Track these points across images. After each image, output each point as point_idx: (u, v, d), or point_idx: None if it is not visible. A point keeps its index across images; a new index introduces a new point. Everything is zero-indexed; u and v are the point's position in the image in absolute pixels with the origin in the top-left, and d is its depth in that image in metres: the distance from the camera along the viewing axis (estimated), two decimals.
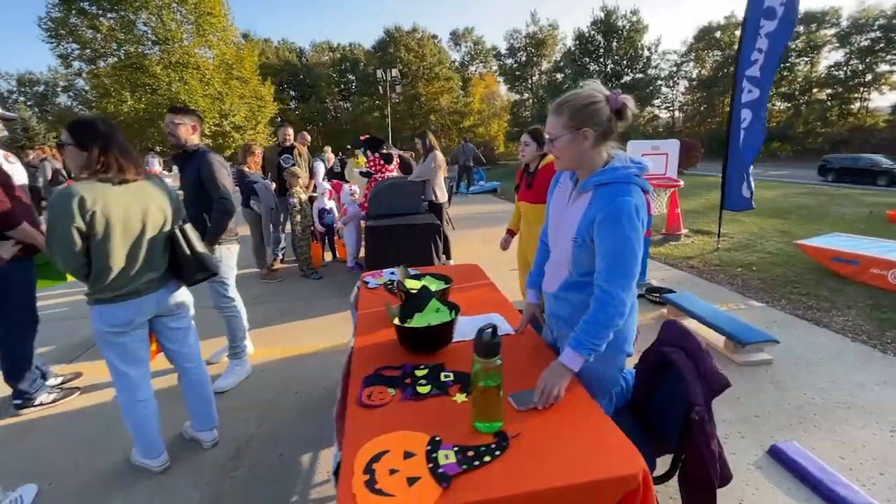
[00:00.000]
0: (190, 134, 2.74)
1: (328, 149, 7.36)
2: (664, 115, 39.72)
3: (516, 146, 32.24)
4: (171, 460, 2.15)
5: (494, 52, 43.58)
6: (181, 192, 2.67)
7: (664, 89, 34.97)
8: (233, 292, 3.02)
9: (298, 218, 4.89)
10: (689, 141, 16.09)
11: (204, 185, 2.67)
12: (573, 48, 25.57)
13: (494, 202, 11.26)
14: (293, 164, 5.32)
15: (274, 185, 5.23)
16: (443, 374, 1.44)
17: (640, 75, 25.16)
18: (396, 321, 1.63)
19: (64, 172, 8.07)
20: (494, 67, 43.66)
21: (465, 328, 1.70)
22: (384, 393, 1.34)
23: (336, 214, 5.71)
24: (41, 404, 2.70)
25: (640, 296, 4.15)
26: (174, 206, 2.04)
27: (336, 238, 5.92)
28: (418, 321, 1.65)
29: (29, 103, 39.43)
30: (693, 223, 7.24)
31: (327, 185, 5.62)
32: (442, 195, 5.21)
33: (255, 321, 3.53)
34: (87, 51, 17.60)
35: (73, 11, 17.47)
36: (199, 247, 2.07)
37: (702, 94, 35.12)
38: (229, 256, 2.96)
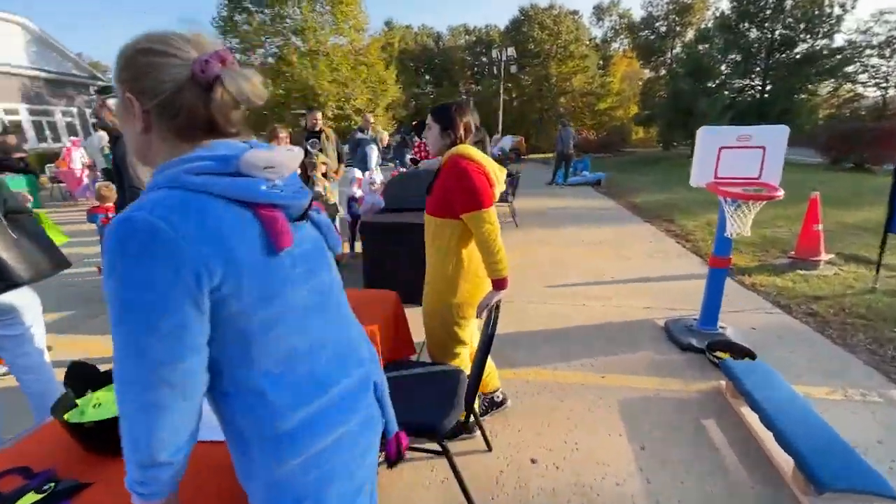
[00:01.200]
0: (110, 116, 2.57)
1: (379, 128, 6.95)
2: (872, 92, 30.49)
3: (648, 132, 28.09)
4: None
5: (628, 23, 38.59)
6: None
7: (874, 60, 26.63)
8: None
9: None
10: (884, 127, 11.88)
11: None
12: (728, 11, 20.69)
13: (591, 196, 9.69)
14: (319, 149, 5.02)
15: (299, 171, 5.03)
16: None
17: (824, 41, 19.14)
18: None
19: None
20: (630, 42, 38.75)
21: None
22: None
23: None
24: None
25: (697, 349, 2.87)
26: None
27: None
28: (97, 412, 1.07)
29: None
30: (848, 245, 5.08)
31: (357, 173, 5.20)
32: None
33: None
34: (243, 44, 20.32)
35: (237, 10, 20.24)
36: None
37: None
38: None
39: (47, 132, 18.68)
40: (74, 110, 19.97)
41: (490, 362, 2.18)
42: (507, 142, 19.40)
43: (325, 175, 4.76)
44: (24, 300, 1.95)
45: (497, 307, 1.84)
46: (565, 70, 33.77)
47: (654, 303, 3.77)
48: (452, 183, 1.74)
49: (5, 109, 16.78)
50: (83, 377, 1.35)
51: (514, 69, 20.52)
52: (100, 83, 21.00)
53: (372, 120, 7.07)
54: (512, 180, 7.17)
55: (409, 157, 6.26)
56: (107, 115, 2.59)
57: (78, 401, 1.27)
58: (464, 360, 2.04)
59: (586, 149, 19.29)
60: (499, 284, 1.82)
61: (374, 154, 6.28)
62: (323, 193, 4.43)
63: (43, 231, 2.00)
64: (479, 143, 1.96)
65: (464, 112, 1.87)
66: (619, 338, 3.18)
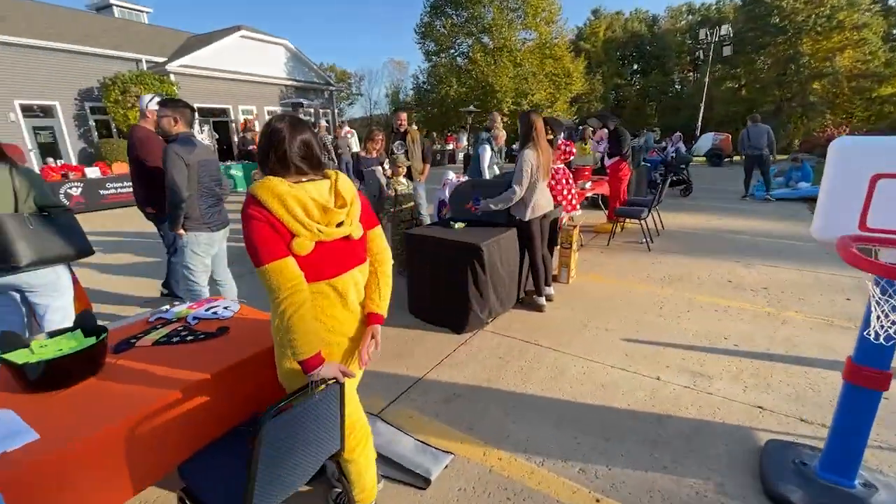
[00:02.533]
0: (172, 126, 2.94)
1: (498, 126, 6.33)
2: None
3: None
4: None
5: None
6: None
7: None
8: (199, 278, 3.09)
9: (391, 210, 4.48)
10: None
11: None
12: None
13: (796, 217, 7.01)
14: (404, 151, 4.92)
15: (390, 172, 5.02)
16: None
17: None
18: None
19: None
20: None
21: None
22: None
23: None
24: None
25: None
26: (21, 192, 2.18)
27: None
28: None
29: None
30: None
31: (452, 176, 4.92)
32: (536, 208, 3.56)
33: None
34: (438, 46, 22.00)
35: (438, 15, 22.00)
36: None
37: None
38: (195, 243, 3.03)
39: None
40: (312, 111, 25.02)
41: (369, 463, 1.67)
42: (707, 141, 16.02)
43: (409, 176, 4.65)
44: (49, 278, 2.36)
45: (339, 382, 1.36)
46: (826, 46, 25.77)
47: (777, 403, 2.42)
48: None
49: (269, 111, 22.24)
50: (83, 325, 1.70)
51: (727, 51, 16.47)
52: (331, 88, 25.90)
53: (498, 119, 6.63)
54: (657, 191, 5.77)
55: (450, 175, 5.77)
56: (163, 123, 2.99)
57: (32, 343, 1.55)
58: None
59: (812, 149, 14.39)
60: (303, 367, 1.32)
61: (486, 155, 5.86)
62: (391, 195, 4.32)
63: (70, 223, 2.37)
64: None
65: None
66: (676, 446, 2.12)
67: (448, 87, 21.24)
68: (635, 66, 41.49)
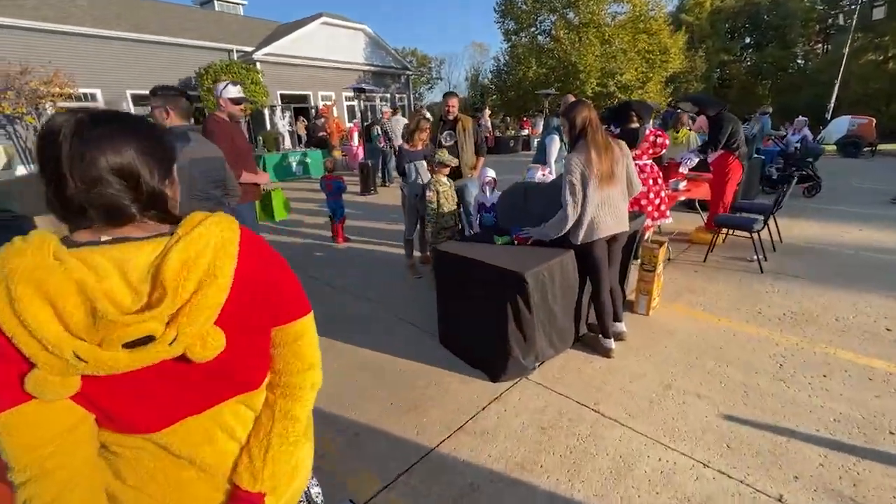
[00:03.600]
0: (164, 118, 2.59)
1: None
2: None
3: None
4: None
5: None
6: None
7: None
8: None
9: (432, 215, 3.73)
10: None
11: None
12: None
13: None
14: (454, 142, 4.19)
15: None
16: None
17: None
18: None
19: None
20: None
21: None
22: None
23: None
24: None
25: None
26: None
27: None
28: None
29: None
30: None
31: (491, 174, 4.02)
32: (595, 229, 2.59)
33: None
34: (518, 25, 20.58)
35: None
36: None
37: None
38: None
39: (369, 114, 24.20)
40: (388, 96, 25.04)
41: None
42: (841, 126, 13.19)
43: (453, 175, 3.94)
44: None
45: None
46: None
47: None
48: None
49: (346, 97, 22.60)
50: None
51: (878, 14, 13.05)
52: (408, 72, 25.70)
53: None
54: (774, 191, 4.49)
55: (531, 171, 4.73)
56: (155, 114, 2.61)
57: None
58: None
59: None
60: None
61: (554, 146, 4.95)
62: (433, 202, 3.64)
63: None
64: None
65: None
66: None
67: (527, 68, 19.87)
68: (747, 40, 36.33)
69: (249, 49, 18.87)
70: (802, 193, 7.47)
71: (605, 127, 5.37)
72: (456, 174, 4.40)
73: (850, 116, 13.23)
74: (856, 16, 13.50)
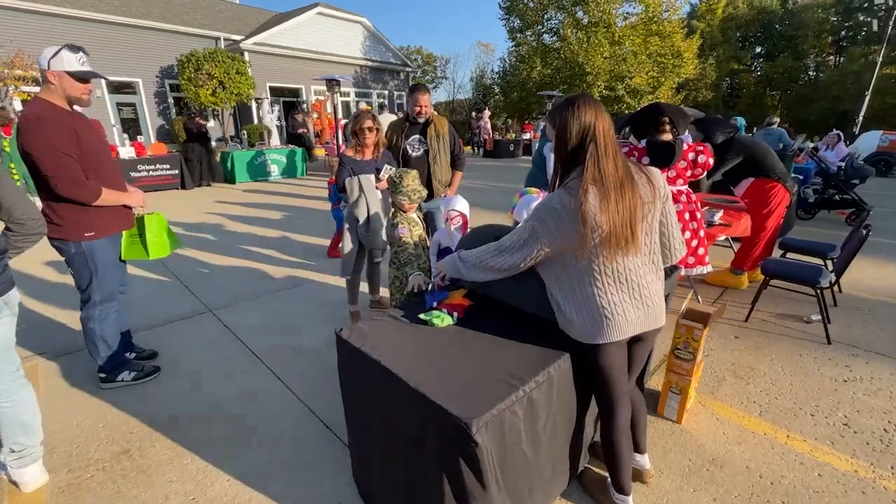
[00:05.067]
0: None
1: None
2: None
3: None
4: None
5: None
6: None
7: None
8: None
9: (404, 261, 2.42)
10: None
11: None
12: None
13: None
14: (423, 152, 3.10)
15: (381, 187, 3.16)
16: None
17: None
18: None
19: None
20: None
21: None
22: None
23: None
24: (122, 381, 2.57)
25: None
26: None
27: None
28: None
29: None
30: None
31: (460, 206, 2.57)
32: (612, 326, 1.42)
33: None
34: (523, 22, 19.44)
35: None
36: None
37: None
38: None
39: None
40: (386, 93, 23.93)
41: None
42: (871, 142, 12.10)
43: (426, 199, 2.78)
44: None
45: None
46: None
47: None
48: None
49: (342, 91, 21.48)
50: None
51: None
52: (408, 69, 24.60)
53: None
54: (857, 226, 3.41)
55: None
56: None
57: None
58: None
59: None
60: None
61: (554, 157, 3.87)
62: (403, 238, 2.42)
63: None
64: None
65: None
66: None
67: (531, 68, 18.72)
68: (758, 49, 35.57)
69: (238, 38, 17.79)
70: (846, 221, 6.38)
71: (624, 141, 4.27)
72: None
73: (881, 132, 12.13)
74: (892, 22, 12.36)
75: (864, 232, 2.86)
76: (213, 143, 15.74)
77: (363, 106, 15.95)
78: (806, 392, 2.52)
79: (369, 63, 22.24)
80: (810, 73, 34.57)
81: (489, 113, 16.74)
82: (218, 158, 10.36)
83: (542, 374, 1.41)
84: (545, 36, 19.35)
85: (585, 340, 1.45)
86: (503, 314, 1.78)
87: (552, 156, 4.07)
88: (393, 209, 2.48)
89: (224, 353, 2.90)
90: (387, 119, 10.73)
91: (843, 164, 6.72)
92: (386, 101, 23.72)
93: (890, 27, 12.34)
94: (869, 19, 25.88)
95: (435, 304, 1.84)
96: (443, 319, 1.71)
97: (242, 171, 10.11)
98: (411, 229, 2.41)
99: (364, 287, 3.46)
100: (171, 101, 17.02)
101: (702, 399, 2.44)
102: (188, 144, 9.43)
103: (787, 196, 3.79)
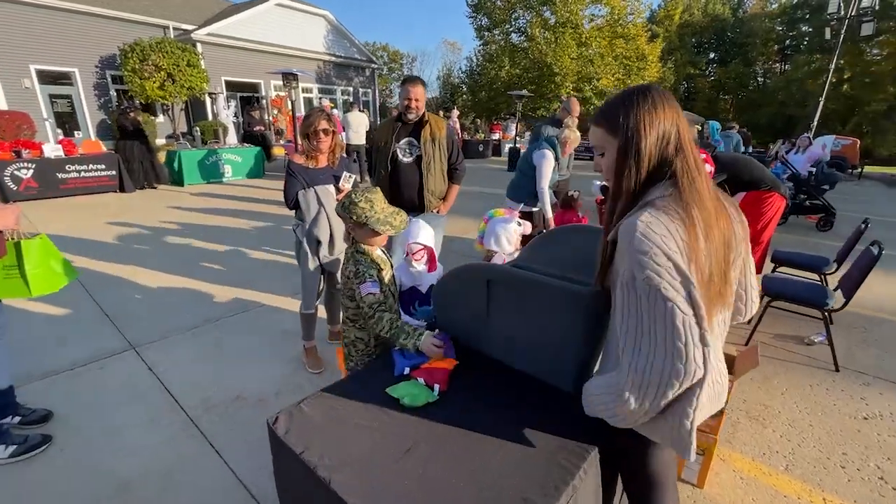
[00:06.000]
0: None
1: (570, 126, 3.79)
2: None
3: None
4: None
5: None
6: None
7: None
8: None
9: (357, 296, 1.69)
10: None
11: None
12: None
13: None
14: (414, 158, 2.65)
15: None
16: None
17: None
18: None
19: None
20: None
21: None
22: None
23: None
24: None
25: None
26: None
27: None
28: None
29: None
30: None
31: (423, 237, 2.02)
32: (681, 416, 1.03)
33: None
34: (491, 21, 19.19)
35: None
36: None
37: None
38: None
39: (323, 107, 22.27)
40: (350, 89, 23.12)
41: None
42: (826, 146, 12.51)
43: (412, 206, 2.20)
44: None
45: None
46: None
47: None
48: None
49: (303, 88, 20.51)
50: None
51: (868, 29, 12.38)
52: (373, 66, 23.86)
53: (577, 109, 4.21)
54: (847, 242, 3.21)
55: (597, 183, 3.22)
56: None
57: None
58: None
59: None
60: None
61: (546, 166, 3.48)
62: (367, 274, 1.65)
63: None
64: None
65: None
66: None
67: (499, 68, 18.48)
68: (712, 55, 37.23)
69: (190, 27, 16.59)
70: (816, 227, 6.37)
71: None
72: (413, 206, 2.85)
73: (833, 136, 12.59)
74: (843, 30, 12.87)
75: (876, 251, 2.62)
76: (164, 141, 14.59)
77: (326, 103, 15.12)
78: (829, 436, 2.23)
79: (333, 58, 21.41)
80: (759, 78, 36.43)
81: (458, 112, 16.36)
82: (163, 158, 9.44)
83: (566, 493, 0.99)
84: (513, 35, 19.19)
85: (644, 430, 1.03)
86: (501, 379, 1.35)
87: (543, 163, 3.64)
88: (353, 244, 1.72)
89: (142, 410, 2.33)
90: (357, 118, 10.07)
91: (813, 170, 6.74)
92: (351, 98, 22.93)
93: (843, 34, 12.85)
94: (810, 29, 27.32)
95: (407, 369, 1.38)
96: (417, 397, 1.26)
97: (192, 172, 9.24)
98: (380, 277, 1.66)
99: (322, 311, 2.95)
100: (113, 93, 15.68)
101: (719, 451, 2.10)
102: (124, 142, 8.49)
103: (782, 203, 3.66)
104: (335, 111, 13.41)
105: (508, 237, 2.23)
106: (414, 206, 2.85)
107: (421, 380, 1.33)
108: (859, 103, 21.97)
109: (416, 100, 2.72)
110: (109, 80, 15.51)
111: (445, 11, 76.34)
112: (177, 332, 3.13)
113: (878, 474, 1.99)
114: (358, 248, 1.69)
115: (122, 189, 8.17)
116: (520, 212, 3.83)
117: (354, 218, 1.61)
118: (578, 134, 3.75)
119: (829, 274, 3.44)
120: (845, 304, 2.74)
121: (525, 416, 1.21)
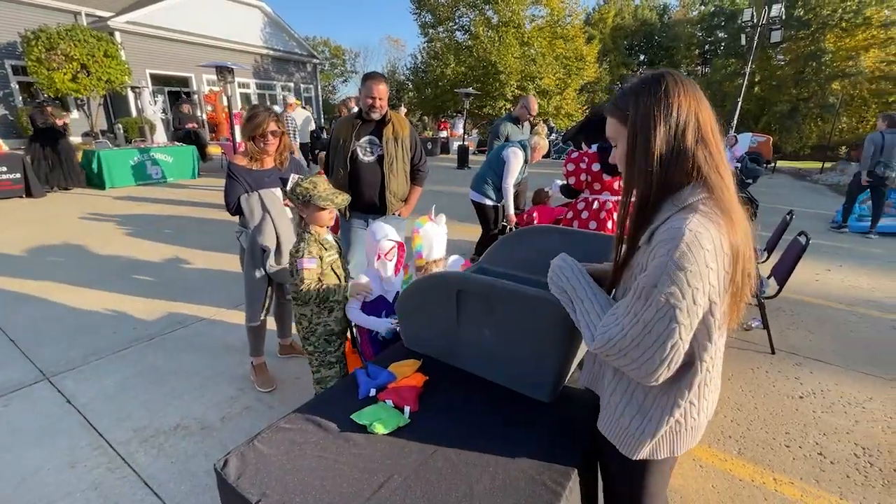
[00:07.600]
0: None
1: (542, 129, 3.87)
2: None
3: None
4: None
5: None
6: None
7: None
8: None
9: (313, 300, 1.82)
10: None
11: None
12: None
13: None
14: (376, 157, 2.53)
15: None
16: None
17: None
18: None
19: None
20: None
21: None
22: None
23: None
24: None
25: None
26: None
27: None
28: None
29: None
30: None
31: (390, 239, 1.94)
32: (696, 429, 0.97)
33: None
34: (435, 18, 19.14)
35: None
36: None
37: None
38: None
39: (268, 104, 21.21)
40: (291, 85, 22.17)
41: None
42: (743, 143, 13.68)
43: (371, 209, 2.15)
44: None
45: None
46: (849, 45, 23.47)
47: None
48: None
49: (240, 83, 19.37)
50: None
51: (776, 36, 13.72)
52: (315, 61, 23.02)
53: (535, 107, 4.23)
54: (774, 234, 3.47)
55: (557, 182, 3.25)
56: None
57: None
58: None
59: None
60: None
61: (515, 164, 3.48)
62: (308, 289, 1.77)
63: None
64: None
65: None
66: None
67: (445, 65, 18.47)
68: (642, 57, 39.68)
69: (106, 14, 15.13)
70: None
71: (565, 146, 4.02)
72: (373, 207, 2.71)
73: (751, 134, 13.77)
74: (757, 36, 14.16)
75: (804, 240, 2.84)
76: (80, 139, 13.16)
77: (291, 101, 14.30)
78: (773, 416, 2.38)
79: (271, 52, 20.42)
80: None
81: (405, 110, 16.20)
82: (80, 158, 8.50)
83: None
84: (458, 33, 19.23)
85: (658, 455, 0.97)
86: (474, 394, 1.27)
87: (513, 160, 3.65)
88: (302, 225, 1.84)
89: (60, 451, 2.02)
90: (301, 115, 9.60)
91: (739, 165, 7.30)
92: (292, 94, 22.00)
93: (756, 40, 14.13)
94: (726, 35, 29.88)
95: (373, 391, 1.27)
96: (387, 422, 1.15)
97: (115, 173, 8.39)
98: (321, 257, 1.80)
99: (272, 323, 2.74)
100: (15, 86, 14.01)
101: None
102: (35, 141, 7.56)
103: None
104: (276, 107, 12.76)
105: (441, 242, 2.19)
106: (374, 207, 2.72)
107: (389, 402, 1.22)
108: (768, 104, 24.25)
109: (380, 98, 2.58)
110: (10, 70, 13.83)
111: (388, 4, 75.28)
112: (100, 356, 2.78)
113: (818, 450, 2.14)
114: (307, 229, 1.81)
115: (28, 194, 7.26)
116: (473, 201, 3.82)
117: (300, 198, 1.73)
118: (547, 142, 3.79)
119: (761, 263, 3.70)
120: (779, 291, 2.95)
121: (504, 433, 1.14)
